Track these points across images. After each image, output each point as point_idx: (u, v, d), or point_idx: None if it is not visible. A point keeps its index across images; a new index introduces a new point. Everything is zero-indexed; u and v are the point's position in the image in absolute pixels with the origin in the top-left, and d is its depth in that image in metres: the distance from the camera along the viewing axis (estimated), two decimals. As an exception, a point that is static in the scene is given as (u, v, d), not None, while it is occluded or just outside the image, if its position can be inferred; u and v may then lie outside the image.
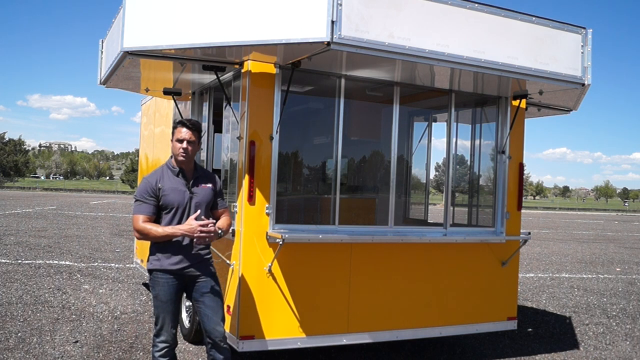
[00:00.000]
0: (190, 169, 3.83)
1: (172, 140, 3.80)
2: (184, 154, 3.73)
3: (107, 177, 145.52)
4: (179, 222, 3.70)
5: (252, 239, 4.52)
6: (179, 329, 5.94)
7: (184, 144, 3.72)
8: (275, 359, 5.19)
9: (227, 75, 4.91)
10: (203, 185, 3.83)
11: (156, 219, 3.72)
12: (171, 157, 3.87)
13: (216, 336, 3.76)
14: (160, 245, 3.71)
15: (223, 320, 3.84)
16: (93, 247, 12.84)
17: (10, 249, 11.96)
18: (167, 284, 3.72)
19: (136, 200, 3.73)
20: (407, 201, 6.84)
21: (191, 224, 3.60)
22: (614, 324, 7.48)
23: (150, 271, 3.77)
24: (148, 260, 3.78)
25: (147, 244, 3.86)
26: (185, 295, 3.91)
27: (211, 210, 3.91)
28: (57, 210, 26.48)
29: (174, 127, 3.81)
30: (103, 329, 5.99)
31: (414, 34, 4.05)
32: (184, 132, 3.73)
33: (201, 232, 3.58)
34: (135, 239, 3.74)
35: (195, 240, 3.64)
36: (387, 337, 5.11)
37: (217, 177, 4.02)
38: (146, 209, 3.68)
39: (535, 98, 5.53)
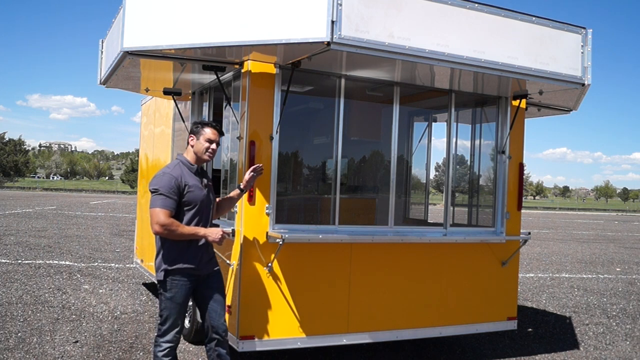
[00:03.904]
0: (201, 168, 3.96)
1: (195, 138, 3.84)
2: (212, 155, 3.87)
3: (107, 177, 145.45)
4: (200, 219, 3.79)
5: (252, 239, 4.52)
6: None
7: (214, 145, 3.86)
8: (275, 359, 5.19)
9: (227, 75, 4.91)
10: (210, 183, 3.98)
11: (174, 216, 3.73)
12: (180, 153, 3.94)
13: (223, 330, 3.88)
14: (180, 247, 3.71)
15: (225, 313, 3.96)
16: (93, 247, 12.84)
17: (10, 249, 11.96)
18: (184, 286, 3.76)
19: (159, 194, 3.63)
20: (407, 201, 6.83)
21: (215, 229, 3.74)
22: (614, 324, 7.48)
23: (167, 272, 3.72)
24: (165, 262, 3.72)
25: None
26: (193, 293, 3.95)
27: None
28: (57, 210, 26.48)
29: (201, 126, 3.87)
30: (103, 329, 5.99)
31: (414, 34, 4.05)
32: (215, 133, 3.86)
33: (221, 237, 3.70)
34: (157, 233, 3.68)
35: (211, 241, 3.75)
36: (387, 337, 5.11)
37: None
38: (171, 204, 3.63)
39: (535, 98, 5.53)
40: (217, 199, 4.19)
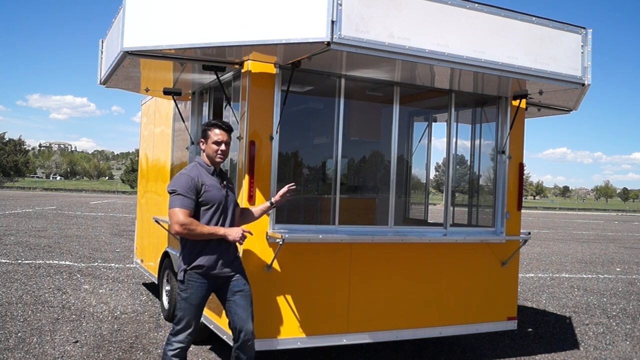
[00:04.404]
0: (219, 169, 3.93)
1: (205, 142, 3.86)
2: (222, 156, 3.83)
3: (107, 177, 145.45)
4: (218, 219, 3.79)
5: (252, 239, 4.51)
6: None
7: (222, 146, 3.82)
8: (275, 359, 5.19)
9: (227, 75, 4.91)
10: (230, 185, 3.97)
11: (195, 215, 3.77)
12: (199, 155, 3.94)
13: (246, 334, 3.82)
14: (199, 246, 3.73)
15: (253, 318, 3.90)
16: (93, 247, 12.84)
17: (10, 249, 11.96)
18: (200, 287, 3.75)
19: (177, 194, 3.68)
20: (407, 201, 6.83)
21: (236, 229, 3.73)
22: (614, 324, 7.48)
23: (185, 272, 3.75)
24: (184, 262, 3.76)
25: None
26: (216, 296, 3.94)
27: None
28: (57, 210, 26.48)
29: (207, 129, 3.86)
30: (103, 329, 5.99)
31: (414, 34, 4.05)
32: (221, 134, 3.83)
33: (241, 237, 3.69)
34: (177, 233, 3.68)
35: (232, 241, 3.74)
36: (387, 337, 5.11)
37: None
38: (189, 203, 3.67)
39: (535, 98, 5.53)
40: (242, 207, 4.17)
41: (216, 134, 3.82)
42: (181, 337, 3.75)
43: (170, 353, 3.74)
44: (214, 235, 3.70)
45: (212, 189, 3.77)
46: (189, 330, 3.77)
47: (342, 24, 3.71)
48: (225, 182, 3.90)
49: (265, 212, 4.23)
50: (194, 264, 3.73)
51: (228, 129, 3.88)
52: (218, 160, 3.84)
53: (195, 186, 3.71)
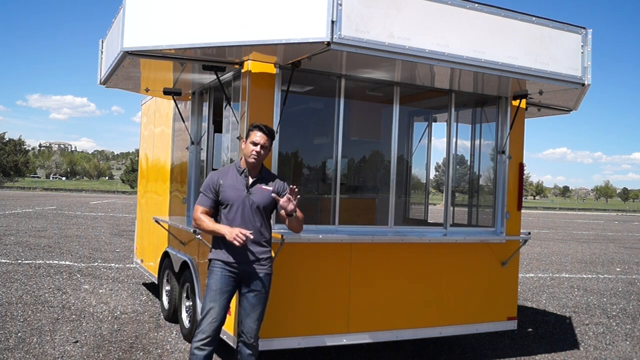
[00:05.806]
0: (256, 171, 3.94)
1: (245, 141, 3.91)
2: (256, 157, 3.86)
3: (107, 177, 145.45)
4: (235, 218, 3.84)
5: (252, 239, 4.51)
6: (179, 328, 5.94)
7: (258, 147, 3.85)
8: (275, 359, 5.19)
9: (227, 75, 4.91)
10: (263, 187, 3.92)
11: (216, 213, 3.93)
12: (241, 158, 3.98)
13: (247, 331, 3.88)
14: (218, 240, 3.89)
15: (260, 319, 3.92)
16: (93, 247, 12.84)
17: (10, 249, 11.96)
18: (220, 272, 3.84)
19: (200, 192, 3.97)
20: (407, 201, 6.84)
21: (233, 229, 3.71)
22: (614, 324, 7.48)
23: (209, 260, 3.93)
24: (210, 252, 3.98)
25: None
26: (238, 291, 3.97)
27: (280, 211, 3.98)
28: (57, 210, 26.48)
29: (250, 130, 3.91)
30: (103, 329, 5.99)
31: (414, 34, 4.06)
32: (260, 136, 3.86)
33: (236, 237, 3.66)
34: (193, 227, 3.93)
35: (229, 241, 3.74)
36: (387, 337, 5.11)
37: (282, 181, 4.02)
38: (205, 201, 3.90)
39: (535, 98, 5.53)
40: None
41: (256, 134, 3.86)
42: (202, 325, 3.77)
43: (194, 344, 3.77)
44: (215, 232, 3.82)
45: (229, 189, 3.85)
46: (210, 318, 3.77)
47: (342, 24, 3.72)
48: (254, 183, 3.88)
49: (292, 221, 3.93)
50: (212, 256, 3.91)
51: (269, 134, 3.89)
52: (251, 160, 3.85)
53: (214, 186, 3.89)
